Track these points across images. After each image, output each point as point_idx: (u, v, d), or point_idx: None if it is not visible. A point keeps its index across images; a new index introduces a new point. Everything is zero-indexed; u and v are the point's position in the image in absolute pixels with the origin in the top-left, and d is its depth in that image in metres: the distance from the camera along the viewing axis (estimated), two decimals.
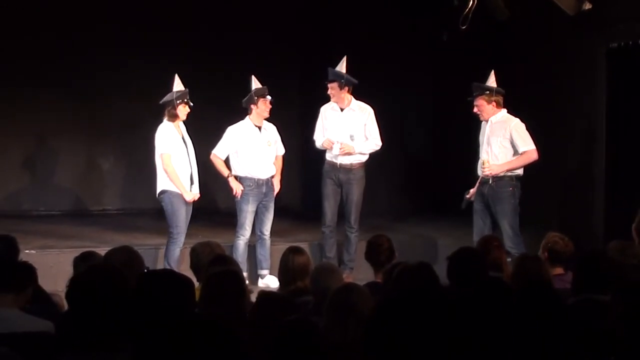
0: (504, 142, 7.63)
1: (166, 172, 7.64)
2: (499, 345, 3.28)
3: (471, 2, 8.32)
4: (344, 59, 8.11)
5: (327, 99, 8.31)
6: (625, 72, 8.30)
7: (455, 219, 9.05)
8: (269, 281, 7.93)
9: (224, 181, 8.17)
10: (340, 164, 8.23)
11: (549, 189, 9.20)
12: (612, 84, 8.43)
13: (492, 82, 7.75)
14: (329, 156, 8.30)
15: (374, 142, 8.26)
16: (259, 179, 8.08)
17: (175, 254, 7.63)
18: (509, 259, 6.03)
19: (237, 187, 8.04)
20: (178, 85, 7.74)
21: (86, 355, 3.08)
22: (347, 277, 7.27)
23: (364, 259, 5.91)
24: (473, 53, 9.58)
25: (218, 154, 8.10)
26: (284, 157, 8.40)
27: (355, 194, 8.24)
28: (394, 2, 10.46)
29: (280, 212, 8.67)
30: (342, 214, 8.34)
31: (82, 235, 8.83)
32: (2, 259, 5.08)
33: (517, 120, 7.67)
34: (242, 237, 8.03)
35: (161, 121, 7.76)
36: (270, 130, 8.23)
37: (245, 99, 8.11)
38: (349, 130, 8.22)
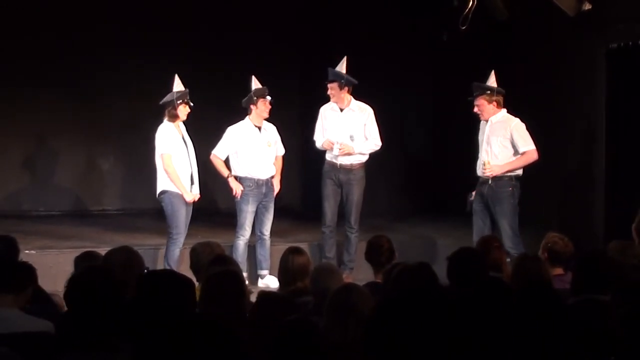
0: (504, 142, 7.63)
1: (167, 172, 7.64)
2: (499, 345, 3.28)
3: (471, 3, 8.32)
4: (344, 59, 8.11)
5: (327, 99, 8.31)
6: (625, 73, 8.30)
7: (455, 219, 9.05)
8: (269, 281, 7.93)
9: (224, 181, 8.17)
10: (341, 165, 8.23)
11: (549, 189, 9.20)
12: (611, 85, 8.43)
13: (492, 82, 7.75)
14: (329, 156, 8.30)
15: (374, 142, 8.26)
16: (258, 180, 8.08)
17: (174, 254, 7.63)
18: (508, 259, 6.03)
19: (237, 188, 8.04)
20: (178, 86, 7.74)
21: (86, 355, 3.08)
22: (347, 277, 7.26)
23: (364, 259, 5.91)
24: (473, 53, 9.59)
25: (218, 154, 8.10)
26: (284, 157, 8.40)
27: (356, 194, 8.24)
28: (394, 2, 10.46)
29: (280, 213, 8.67)
30: (342, 214, 8.34)
31: (82, 235, 8.83)
32: (2, 259, 5.08)
33: (518, 120, 7.67)
34: (242, 238, 8.03)
35: (161, 121, 7.76)
36: (270, 130, 8.23)
37: (245, 99, 8.11)
38: (348, 130, 8.22)
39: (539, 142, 7.71)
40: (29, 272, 4.48)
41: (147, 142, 7.99)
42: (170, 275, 3.49)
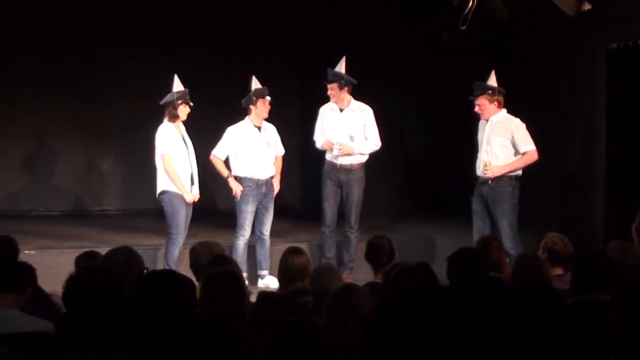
0: (504, 142, 7.63)
1: (167, 172, 7.63)
2: (499, 345, 3.28)
3: (471, 3, 8.32)
4: (343, 59, 8.11)
5: (327, 99, 8.31)
6: (624, 73, 8.30)
7: (455, 219, 9.05)
8: (269, 281, 7.93)
9: (224, 181, 8.17)
10: (340, 165, 8.23)
11: (549, 189, 9.20)
12: (611, 85, 8.43)
13: (492, 81, 7.76)
14: (329, 156, 8.30)
15: (374, 143, 8.26)
16: (258, 180, 8.08)
17: (174, 254, 7.63)
18: (507, 260, 6.03)
19: (236, 188, 8.04)
20: (178, 86, 7.74)
21: (86, 356, 3.08)
22: (347, 277, 7.27)
23: (364, 259, 5.91)
24: (473, 53, 9.59)
25: (218, 154, 8.10)
26: (283, 157, 8.40)
27: (355, 194, 8.24)
28: (394, 2, 10.46)
29: (280, 213, 8.67)
30: (342, 215, 8.34)
31: (81, 235, 8.83)
32: (2, 260, 5.08)
33: (518, 120, 7.67)
34: (241, 238, 8.03)
35: (161, 121, 7.76)
36: (270, 130, 8.23)
37: (245, 99, 8.11)
38: (348, 130, 8.21)
39: (539, 142, 7.72)
40: (29, 272, 4.48)
41: (147, 142, 7.99)
42: (170, 275, 3.49)
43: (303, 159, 10.31)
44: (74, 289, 3.20)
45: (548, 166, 8.35)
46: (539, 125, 8.13)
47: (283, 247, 6.16)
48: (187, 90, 7.75)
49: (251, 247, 8.17)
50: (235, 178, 8.07)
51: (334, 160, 8.25)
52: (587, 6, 8.18)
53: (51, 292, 5.06)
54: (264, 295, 4.27)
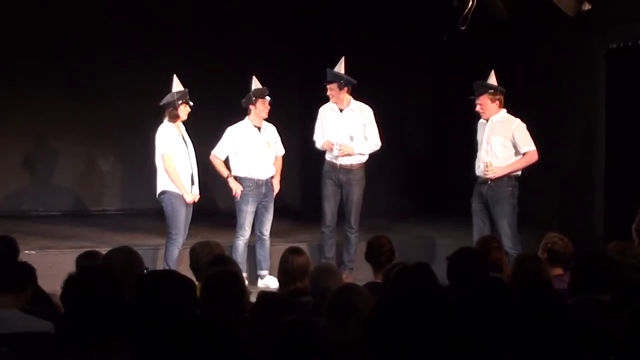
0: (505, 142, 7.63)
1: (167, 172, 7.63)
2: (499, 345, 3.28)
3: (471, 3, 8.32)
4: (343, 59, 8.11)
5: (327, 99, 8.30)
6: (624, 73, 8.31)
7: (455, 219, 9.05)
8: (269, 282, 7.93)
9: (224, 182, 8.17)
10: (340, 165, 8.23)
11: (549, 189, 9.20)
12: (611, 85, 8.43)
13: (492, 81, 7.76)
14: (328, 157, 8.30)
15: (374, 143, 8.26)
16: (258, 180, 8.08)
17: (173, 254, 7.62)
18: (507, 260, 6.03)
19: (236, 188, 8.03)
20: (177, 86, 7.73)
21: (86, 356, 3.08)
22: (347, 277, 7.27)
23: (364, 259, 5.91)
24: (473, 53, 9.59)
25: (217, 154, 8.10)
26: (283, 157, 8.39)
27: (355, 194, 8.24)
28: (393, 2, 10.46)
29: (280, 213, 8.67)
30: (341, 215, 8.34)
31: (81, 235, 8.83)
32: (1, 260, 5.07)
33: (519, 120, 7.67)
34: (241, 238, 8.03)
35: (161, 121, 7.75)
36: (270, 130, 8.23)
37: (244, 99, 8.11)
38: (348, 131, 8.21)
39: (539, 142, 7.72)
40: (28, 272, 4.48)
41: (147, 142, 7.99)
42: (171, 276, 3.49)
43: (303, 159, 10.31)
44: (73, 289, 3.20)
45: (548, 166, 8.35)
46: (539, 125, 8.13)
47: (283, 247, 6.16)
48: (186, 90, 7.75)
49: (251, 247, 8.17)
50: (235, 178, 8.07)
51: (334, 161, 8.25)
52: (587, 6, 8.19)
53: (51, 292, 5.06)
54: (264, 295, 4.27)
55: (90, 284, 3.18)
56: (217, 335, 2.83)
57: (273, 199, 8.19)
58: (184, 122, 7.81)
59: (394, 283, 4.36)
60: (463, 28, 8.41)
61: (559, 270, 5.45)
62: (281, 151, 8.33)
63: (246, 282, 5.81)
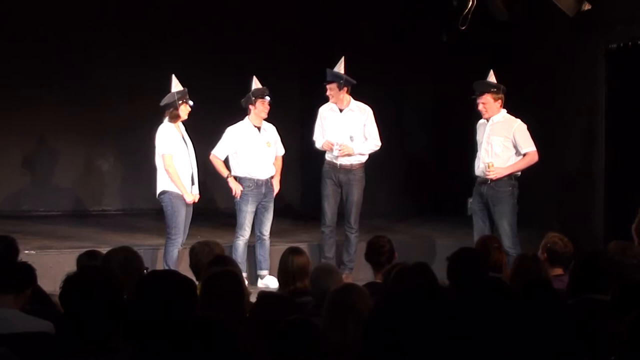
0: (505, 143, 7.62)
1: (168, 172, 7.62)
2: (499, 345, 3.28)
3: (470, 3, 8.32)
4: (342, 59, 8.11)
5: (327, 99, 8.30)
6: (624, 73, 8.31)
7: (455, 219, 9.06)
8: (269, 282, 7.93)
9: (224, 182, 8.16)
10: (340, 165, 8.22)
11: (549, 189, 9.20)
12: (611, 85, 8.44)
13: (492, 81, 7.75)
14: (328, 156, 8.29)
15: (374, 143, 8.26)
16: (258, 180, 8.07)
17: (173, 255, 7.62)
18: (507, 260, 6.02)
19: (236, 188, 8.03)
20: (177, 86, 7.72)
21: (86, 356, 3.08)
22: (347, 277, 7.27)
23: (364, 259, 5.90)
24: (473, 53, 9.59)
25: (217, 154, 8.10)
26: (283, 157, 8.39)
27: (355, 194, 8.24)
28: (394, 2, 10.46)
29: (280, 213, 8.67)
30: (341, 215, 8.34)
31: (81, 235, 8.83)
32: (1, 260, 5.07)
33: (519, 121, 7.67)
34: (241, 238, 8.03)
35: (161, 122, 7.75)
36: (270, 130, 8.23)
37: (244, 99, 8.11)
38: (348, 131, 8.21)
39: (539, 142, 7.72)
40: (28, 272, 4.47)
41: (147, 143, 7.99)
42: (171, 275, 3.48)
43: (303, 159, 10.31)
44: (71, 289, 3.19)
45: (548, 166, 8.35)
46: (539, 126, 8.13)
47: (283, 247, 6.16)
48: (186, 89, 7.74)
49: (251, 247, 8.17)
50: (235, 178, 8.07)
51: (334, 160, 8.24)
52: (587, 6, 8.19)
53: (51, 292, 5.06)
54: (264, 295, 4.27)
55: (89, 283, 3.17)
56: (217, 336, 2.83)
57: (273, 199, 8.18)
58: (184, 122, 7.81)
59: (394, 283, 4.36)
60: (463, 28, 8.41)
61: (559, 270, 5.45)
62: (281, 151, 8.33)
63: (246, 282, 5.81)
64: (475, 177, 7.81)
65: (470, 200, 7.88)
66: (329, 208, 8.27)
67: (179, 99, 7.64)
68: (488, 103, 7.64)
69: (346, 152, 8.13)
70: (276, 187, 8.22)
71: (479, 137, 7.82)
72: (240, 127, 8.12)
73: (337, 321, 3.67)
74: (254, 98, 8.05)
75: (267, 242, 8.14)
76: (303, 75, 10.69)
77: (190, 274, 4.92)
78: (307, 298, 4.82)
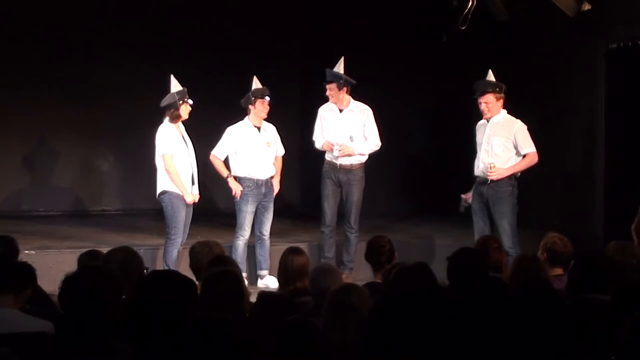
0: (506, 143, 7.62)
1: (168, 172, 7.61)
2: (499, 345, 3.28)
3: (470, 3, 8.33)
4: (342, 59, 8.10)
5: (327, 100, 8.29)
6: (624, 73, 8.31)
7: (455, 219, 9.04)
8: (269, 282, 7.92)
9: (224, 182, 8.16)
10: (340, 165, 8.22)
11: (549, 189, 9.20)
12: (611, 85, 8.44)
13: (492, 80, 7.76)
14: (328, 156, 8.29)
15: (374, 143, 8.26)
16: (258, 180, 8.07)
17: (172, 255, 7.61)
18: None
19: (236, 188, 8.03)
20: (176, 86, 7.71)
21: (86, 356, 3.08)
22: (347, 277, 7.27)
23: (364, 259, 5.90)
24: (473, 53, 9.59)
25: (217, 154, 8.09)
26: (283, 157, 8.39)
27: (355, 194, 8.24)
28: (394, 3, 10.46)
29: (280, 213, 8.67)
30: (341, 215, 8.34)
31: (81, 235, 8.83)
32: (2, 260, 5.07)
33: (520, 122, 7.67)
34: (241, 238, 8.03)
35: (161, 122, 7.74)
36: (270, 130, 8.23)
37: (243, 99, 8.11)
38: (348, 131, 8.21)
39: (539, 142, 7.72)
40: (28, 272, 4.47)
41: (147, 143, 7.99)
42: (172, 275, 3.48)
43: (303, 159, 10.31)
44: (69, 289, 3.20)
45: (548, 166, 8.36)
46: (539, 126, 8.14)
47: (283, 247, 6.16)
48: (185, 89, 7.73)
49: (251, 247, 8.17)
50: (235, 178, 8.07)
51: (334, 160, 8.24)
52: (586, 6, 8.19)
53: (51, 292, 5.06)
54: (264, 295, 4.27)
55: (87, 284, 3.17)
56: (217, 336, 2.83)
57: (273, 199, 8.18)
58: (184, 122, 7.80)
59: (394, 283, 4.36)
60: (463, 28, 8.41)
61: (558, 270, 5.45)
62: (281, 151, 8.33)
63: (246, 282, 5.81)
64: (475, 177, 7.81)
65: (463, 197, 7.86)
66: (329, 208, 8.27)
67: (179, 99, 7.63)
68: (490, 102, 7.63)
69: (346, 153, 8.13)
70: (276, 187, 8.22)
71: (478, 138, 7.81)
72: (240, 127, 8.12)
73: (337, 321, 3.67)
74: (253, 98, 8.04)
75: (267, 242, 8.14)
76: (303, 75, 10.69)
77: (190, 274, 4.92)
78: (307, 298, 4.82)
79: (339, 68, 8.11)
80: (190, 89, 7.80)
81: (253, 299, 4.25)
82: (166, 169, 7.62)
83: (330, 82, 8.14)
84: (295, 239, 8.62)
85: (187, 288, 3.33)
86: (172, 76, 7.74)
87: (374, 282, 5.39)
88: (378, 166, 8.95)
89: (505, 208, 7.61)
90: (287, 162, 8.65)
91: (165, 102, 7.68)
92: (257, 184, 8.07)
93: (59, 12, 10.07)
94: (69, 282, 3.22)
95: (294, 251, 5.28)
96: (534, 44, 9.41)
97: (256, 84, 8.09)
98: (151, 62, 10.00)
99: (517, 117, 7.70)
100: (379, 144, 8.27)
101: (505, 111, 7.71)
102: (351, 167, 8.23)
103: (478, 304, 3.52)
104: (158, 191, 7.73)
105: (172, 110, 7.66)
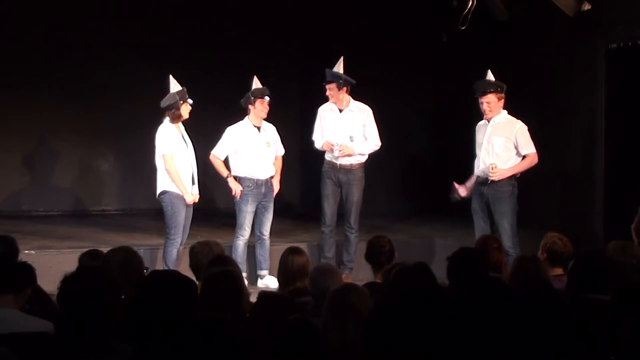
0: (507, 143, 7.62)
1: (169, 173, 7.60)
2: (499, 346, 3.28)
3: (470, 3, 8.33)
4: (341, 59, 8.10)
5: (327, 100, 8.29)
6: (624, 73, 8.31)
7: (455, 219, 9.05)
8: (269, 281, 7.93)
9: (224, 182, 8.16)
10: (340, 165, 8.22)
11: (549, 189, 9.20)
12: (611, 85, 8.44)
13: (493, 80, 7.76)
14: (328, 156, 8.29)
15: (374, 143, 8.26)
16: (258, 180, 8.07)
17: (172, 255, 7.61)
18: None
19: (236, 188, 8.03)
20: (176, 86, 7.71)
21: (86, 356, 3.08)
22: (347, 277, 7.27)
23: (364, 259, 5.90)
24: (473, 53, 9.59)
25: (217, 154, 8.09)
26: (283, 157, 8.39)
27: (355, 194, 8.24)
28: (394, 3, 10.46)
29: (280, 212, 8.67)
30: (341, 215, 8.34)
31: (81, 235, 8.83)
32: (1, 260, 5.07)
33: (521, 123, 7.67)
34: (241, 238, 8.03)
35: (161, 122, 7.74)
36: (270, 130, 8.23)
37: (243, 99, 8.11)
38: (348, 131, 8.21)
39: (539, 143, 7.73)
40: (28, 272, 4.47)
41: (147, 143, 7.98)
42: (172, 275, 3.48)
43: (303, 159, 10.31)
44: (68, 289, 3.20)
45: (548, 166, 8.36)
46: (539, 126, 8.14)
47: (283, 247, 6.15)
48: (185, 89, 7.73)
49: (251, 247, 8.17)
50: (235, 178, 8.07)
51: (334, 160, 8.24)
52: (586, 6, 8.19)
53: (51, 292, 5.06)
54: (264, 295, 4.27)
55: (86, 284, 3.17)
56: (217, 336, 2.83)
57: (273, 199, 8.18)
58: (184, 122, 7.80)
59: (394, 283, 4.36)
60: (463, 28, 8.41)
61: (558, 270, 5.45)
62: (281, 151, 8.33)
63: (246, 282, 5.81)
64: (475, 177, 7.81)
65: (456, 185, 7.86)
66: (329, 208, 8.27)
67: (179, 99, 7.63)
68: (492, 102, 7.62)
69: (346, 153, 8.13)
70: (276, 187, 8.22)
71: (478, 138, 7.82)
72: (240, 127, 8.12)
73: (337, 321, 3.67)
74: (253, 98, 8.04)
75: (267, 242, 8.14)
76: (303, 75, 10.69)
77: (190, 274, 4.92)
78: (307, 298, 4.82)
79: (339, 68, 8.11)
80: (190, 89, 7.80)
81: (253, 299, 4.25)
82: (166, 169, 7.61)
83: (329, 82, 8.14)
84: (295, 239, 8.62)
85: (188, 288, 3.33)
86: (171, 76, 7.73)
87: (374, 282, 5.39)
88: (378, 166, 8.94)
89: (505, 208, 7.61)
90: (287, 162, 8.65)
91: (166, 102, 7.67)
92: (257, 183, 8.07)
93: (59, 12, 10.08)
94: (67, 282, 3.22)
95: (294, 251, 5.28)
96: (534, 44, 9.41)
97: (256, 84, 8.09)
98: (151, 62, 10.00)
99: (517, 117, 7.70)
100: (379, 143, 8.27)
101: (505, 112, 7.71)
102: (351, 167, 8.22)
103: (478, 304, 3.52)
104: (158, 191, 7.73)
105: (173, 110, 7.65)
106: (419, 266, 4.47)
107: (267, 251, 8.11)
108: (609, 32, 8.37)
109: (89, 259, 5.15)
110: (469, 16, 8.39)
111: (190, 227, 7.83)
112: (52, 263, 7.35)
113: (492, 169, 7.56)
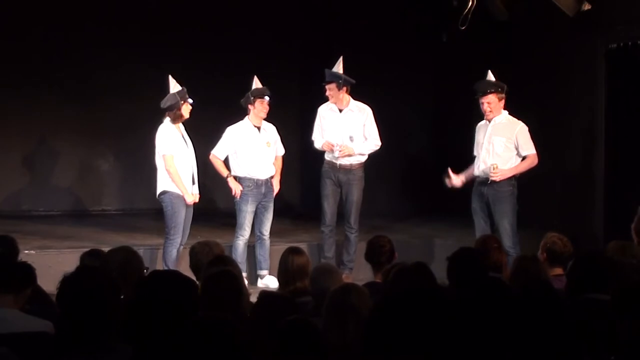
0: (507, 143, 7.63)
1: (169, 173, 7.60)
2: (499, 346, 3.28)
3: (470, 3, 8.33)
4: (340, 59, 8.10)
5: (326, 100, 8.29)
6: (624, 73, 8.31)
7: (455, 219, 9.05)
8: (269, 281, 7.92)
9: (224, 181, 8.16)
10: (340, 165, 8.22)
11: (549, 189, 9.20)
12: (611, 85, 8.44)
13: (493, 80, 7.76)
14: (328, 156, 8.29)
15: (374, 143, 8.26)
16: (258, 180, 8.07)
17: (172, 255, 7.61)
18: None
19: (236, 188, 8.03)
20: (176, 86, 7.70)
21: (86, 356, 3.08)
22: (347, 277, 7.26)
23: (364, 259, 5.90)
24: (473, 53, 9.59)
25: (217, 154, 8.09)
26: (283, 157, 8.39)
27: (355, 194, 8.24)
28: (394, 3, 10.46)
29: (280, 212, 8.66)
30: (341, 214, 8.34)
31: (81, 235, 8.83)
32: (1, 260, 5.07)
33: (522, 123, 7.68)
34: (241, 238, 8.03)
35: (161, 122, 7.74)
36: (270, 130, 8.23)
37: (243, 99, 8.11)
38: (348, 131, 8.21)
39: (539, 143, 7.73)
40: (28, 272, 4.47)
41: (147, 143, 7.98)
42: (173, 276, 3.48)
43: (303, 159, 10.31)
44: (67, 290, 3.20)
45: (548, 166, 8.35)
46: (539, 126, 8.14)
47: (283, 247, 6.15)
48: (184, 88, 7.73)
49: (251, 247, 8.17)
50: (235, 178, 8.07)
51: (334, 160, 8.24)
52: (586, 6, 8.19)
53: (51, 292, 5.06)
54: (264, 295, 4.27)
55: (85, 284, 3.17)
56: (217, 336, 2.83)
57: (273, 199, 8.18)
58: (184, 122, 7.80)
59: (393, 283, 4.36)
60: (463, 28, 8.41)
61: (558, 270, 5.45)
62: (281, 151, 8.33)
63: (246, 282, 5.81)
64: (475, 177, 7.81)
65: (449, 171, 7.88)
66: (329, 208, 8.27)
67: (180, 99, 7.62)
68: (493, 102, 7.62)
69: (347, 153, 8.13)
70: (276, 187, 8.22)
71: (479, 138, 7.82)
72: (240, 127, 8.12)
73: (336, 321, 3.67)
74: (253, 98, 8.04)
75: (267, 242, 8.14)
76: (303, 75, 10.69)
77: (190, 274, 4.92)
78: (307, 298, 4.82)
79: (338, 68, 8.11)
80: (190, 89, 7.79)
81: (253, 299, 4.25)
82: (166, 169, 7.61)
83: (329, 82, 8.14)
84: (295, 239, 8.61)
85: (188, 288, 3.33)
86: (170, 76, 7.73)
87: (374, 282, 5.39)
88: (378, 166, 8.94)
89: (505, 208, 7.62)
90: (287, 162, 8.65)
91: (167, 103, 7.66)
92: (257, 183, 8.07)
93: (59, 12, 10.08)
94: (67, 282, 3.22)
95: (294, 251, 5.28)
96: (534, 44, 9.41)
97: (257, 83, 8.09)
98: (151, 62, 10.00)
99: (517, 118, 7.70)
100: (379, 143, 8.27)
101: (506, 112, 7.72)
102: (351, 167, 8.22)
103: (478, 304, 3.52)
104: (158, 191, 7.73)
105: (174, 110, 7.64)
106: (418, 266, 4.47)
107: (267, 251, 8.11)
108: (609, 32, 8.37)
109: (90, 259, 5.15)
110: (469, 16, 8.39)
111: (190, 227, 7.83)
112: (52, 263, 7.35)
113: (494, 169, 7.57)
